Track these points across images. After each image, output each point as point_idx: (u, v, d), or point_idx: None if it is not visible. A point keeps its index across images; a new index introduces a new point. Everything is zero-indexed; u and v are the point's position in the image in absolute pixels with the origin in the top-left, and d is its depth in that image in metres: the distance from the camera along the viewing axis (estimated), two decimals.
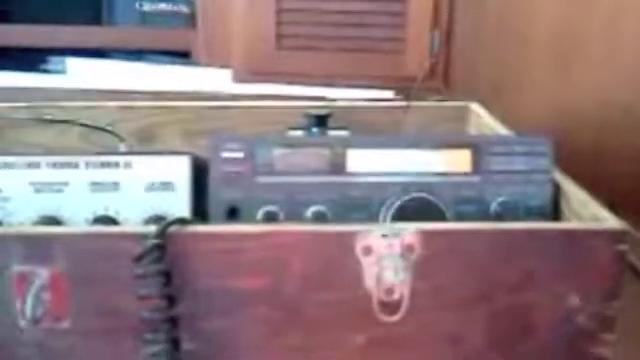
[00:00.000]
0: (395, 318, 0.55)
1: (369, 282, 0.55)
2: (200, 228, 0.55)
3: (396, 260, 0.54)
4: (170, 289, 0.51)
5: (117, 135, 0.87)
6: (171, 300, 0.52)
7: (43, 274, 0.54)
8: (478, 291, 0.56)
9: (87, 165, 0.64)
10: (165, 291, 0.51)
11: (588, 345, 0.58)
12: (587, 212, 0.60)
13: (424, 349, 0.57)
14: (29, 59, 1.38)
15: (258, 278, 0.55)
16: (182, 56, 1.40)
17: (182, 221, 0.54)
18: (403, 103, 0.94)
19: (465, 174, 0.64)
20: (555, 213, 0.65)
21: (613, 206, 0.58)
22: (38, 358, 0.55)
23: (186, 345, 0.56)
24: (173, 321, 0.51)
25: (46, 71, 1.38)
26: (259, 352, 0.57)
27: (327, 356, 0.57)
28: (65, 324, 0.55)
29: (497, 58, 1.29)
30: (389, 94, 1.27)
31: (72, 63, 1.36)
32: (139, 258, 0.50)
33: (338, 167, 0.63)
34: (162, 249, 0.51)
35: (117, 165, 0.64)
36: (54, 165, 0.64)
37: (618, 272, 0.56)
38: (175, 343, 0.52)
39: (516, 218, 0.62)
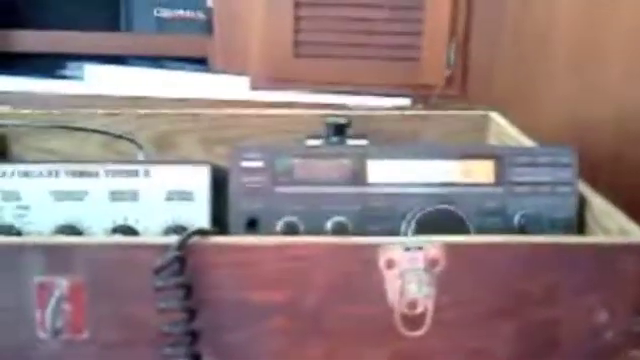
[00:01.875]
0: (419, 333, 0.54)
1: (392, 296, 0.54)
2: (220, 239, 0.55)
3: (420, 274, 0.53)
4: (190, 302, 0.51)
5: (136, 143, 0.86)
6: (192, 313, 0.51)
7: (63, 284, 0.53)
8: (503, 305, 0.55)
9: (107, 174, 0.64)
10: (185, 304, 0.50)
11: None
12: (613, 224, 0.59)
13: None
14: (47, 65, 1.39)
15: (279, 291, 0.54)
16: (199, 63, 1.40)
17: (202, 232, 0.54)
18: (422, 112, 0.93)
19: (488, 185, 0.63)
20: (579, 225, 0.63)
21: None
22: None
23: (207, 358, 0.55)
24: (194, 335, 0.51)
25: (64, 77, 1.39)
26: None
27: None
28: (84, 335, 0.54)
29: (515, 66, 1.28)
30: (406, 102, 1.26)
31: (90, 69, 1.37)
32: (159, 270, 0.49)
33: (359, 178, 0.63)
34: (182, 261, 0.50)
35: (136, 174, 0.64)
36: (74, 174, 0.64)
37: None
38: (196, 358, 0.51)
39: (540, 230, 0.61)
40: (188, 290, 0.50)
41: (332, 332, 0.55)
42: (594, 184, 0.65)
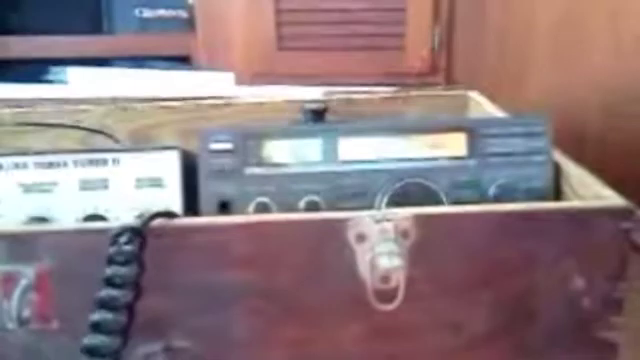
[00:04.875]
0: (392, 307, 0.53)
1: (364, 270, 0.53)
2: (186, 221, 0.54)
3: (390, 245, 0.52)
4: (138, 278, 0.49)
5: (112, 137, 0.85)
6: (136, 290, 0.49)
7: (29, 273, 0.52)
8: (478, 276, 0.54)
9: (75, 163, 0.63)
10: (132, 277, 0.48)
11: (595, 329, 0.55)
12: (589, 191, 0.58)
13: (424, 338, 0.55)
14: (30, 70, 1.38)
15: (249, 270, 0.53)
16: (183, 61, 1.40)
17: (167, 214, 0.53)
18: (402, 94, 0.92)
19: (461, 158, 0.62)
20: (556, 194, 0.62)
21: None
22: None
23: (179, 343, 0.55)
24: (130, 312, 0.48)
25: (47, 81, 1.38)
26: (255, 347, 0.55)
27: (324, 348, 0.55)
28: (54, 325, 0.54)
29: (500, 52, 1.28)
30: (391, 91, 1.26)
31: (73, 72, 1.36)
32: (113, 241, 0.48)
33: (330, 156, 0.62)
34: (139, 235, 0.49)
35: (105, 162, 0.63)
36: (42, 165, 0.63)
37: (623, 251, 0.54)
38: (125, 335, 0.48)
39: (515, 201, 0.60)
40: (140, 266, 0.49)
41: (306, 310, 0.54)
42: (581, 162, 0.64)
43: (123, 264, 0.48)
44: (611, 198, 0.55)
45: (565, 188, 0.62)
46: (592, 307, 0.54)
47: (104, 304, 0.48)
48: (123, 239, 0.49)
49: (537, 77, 1.27)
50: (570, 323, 0.55)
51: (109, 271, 0.48)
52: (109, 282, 0.49)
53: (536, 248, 0.54)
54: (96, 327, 0.48)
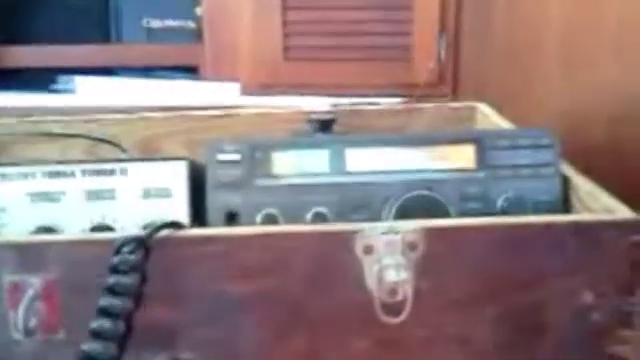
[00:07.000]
0: (399, 319, 0.53)
1: (371, 282, 0.53)
2: (195, 232, 0.54)
3: (397, 258, 0.52)
4: (140, 288, 0.49)
5: (119, 147, 0.86)
6: (137, 300, 0.49)
7: (36, 283, 0.52)
8: (486, 289, 0.54)
9: (83, 173, 0.63)
10: (133, 286, 0.48)
11: (606, 344, 0.55)
12: (598, 204, 0.57)
13: (431, 351, 0.55)
14: (38, 79, 1.38)
15: (255, 282, 0.53)
16: (190, 71, 1.40)
17: (174, 225, 0.53)
18: (408, 105, 0.92)
19: (469, 170, 0.62)
20: (565, 207, 0.62)
21: None
22: None
23: (185, 355, 0.54)
24: (129, 321, 0.48)
25: (55, 91, 1.38)
26: (261, 359, 0.55)
27: None
28: (60, 335, 0.53)
29: (506, 63, 1.27)
30: (397, 102, 1.26)
31: (81, 82, 1.36)
32: (117, 251, 0.48)
33: (337, 167, 0.62)
34: (143, 246, 0.49)
35: (113, 172, 0.63)
36: (50, 174, 0.63)
37: (633, 265, 0.53)
38: (122, 343, 0.48)
39: (524, 214, 0.60)
40: (142, 276, 0.49)
41: (313, 323, 0.54)
42: (592, 173, 0.64)
43: (125, 273, 0.48)
44: (620, 211, 0.55)
45: (574, 201, 0.62)
46: (602, 321, 0.54)
47: (104, 312, 0.48)
48: (127, 249, 0.49)
49: (545, 87, 1.27)
50: (580, 338, 0.54)
51: (111, 280, 0.48)
52: (110, 290, 0.49)
53: (544, 261, 0.53)
54: (95, 334, 0.48)
